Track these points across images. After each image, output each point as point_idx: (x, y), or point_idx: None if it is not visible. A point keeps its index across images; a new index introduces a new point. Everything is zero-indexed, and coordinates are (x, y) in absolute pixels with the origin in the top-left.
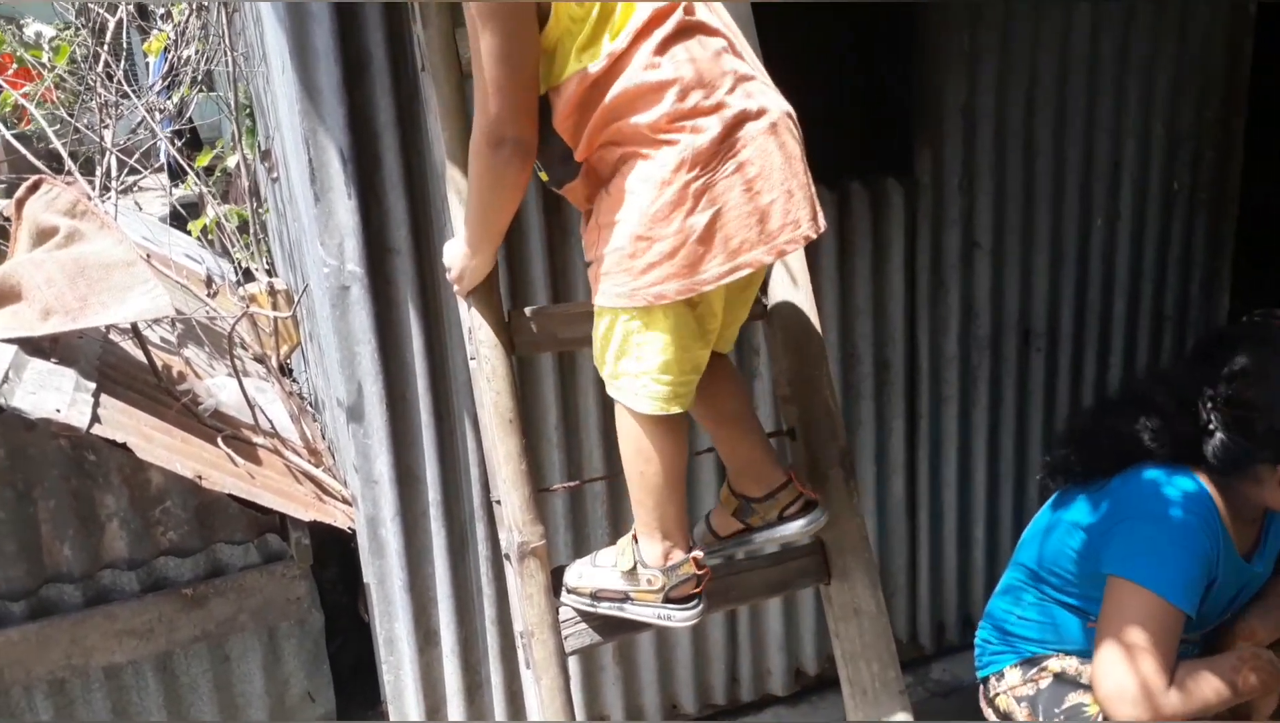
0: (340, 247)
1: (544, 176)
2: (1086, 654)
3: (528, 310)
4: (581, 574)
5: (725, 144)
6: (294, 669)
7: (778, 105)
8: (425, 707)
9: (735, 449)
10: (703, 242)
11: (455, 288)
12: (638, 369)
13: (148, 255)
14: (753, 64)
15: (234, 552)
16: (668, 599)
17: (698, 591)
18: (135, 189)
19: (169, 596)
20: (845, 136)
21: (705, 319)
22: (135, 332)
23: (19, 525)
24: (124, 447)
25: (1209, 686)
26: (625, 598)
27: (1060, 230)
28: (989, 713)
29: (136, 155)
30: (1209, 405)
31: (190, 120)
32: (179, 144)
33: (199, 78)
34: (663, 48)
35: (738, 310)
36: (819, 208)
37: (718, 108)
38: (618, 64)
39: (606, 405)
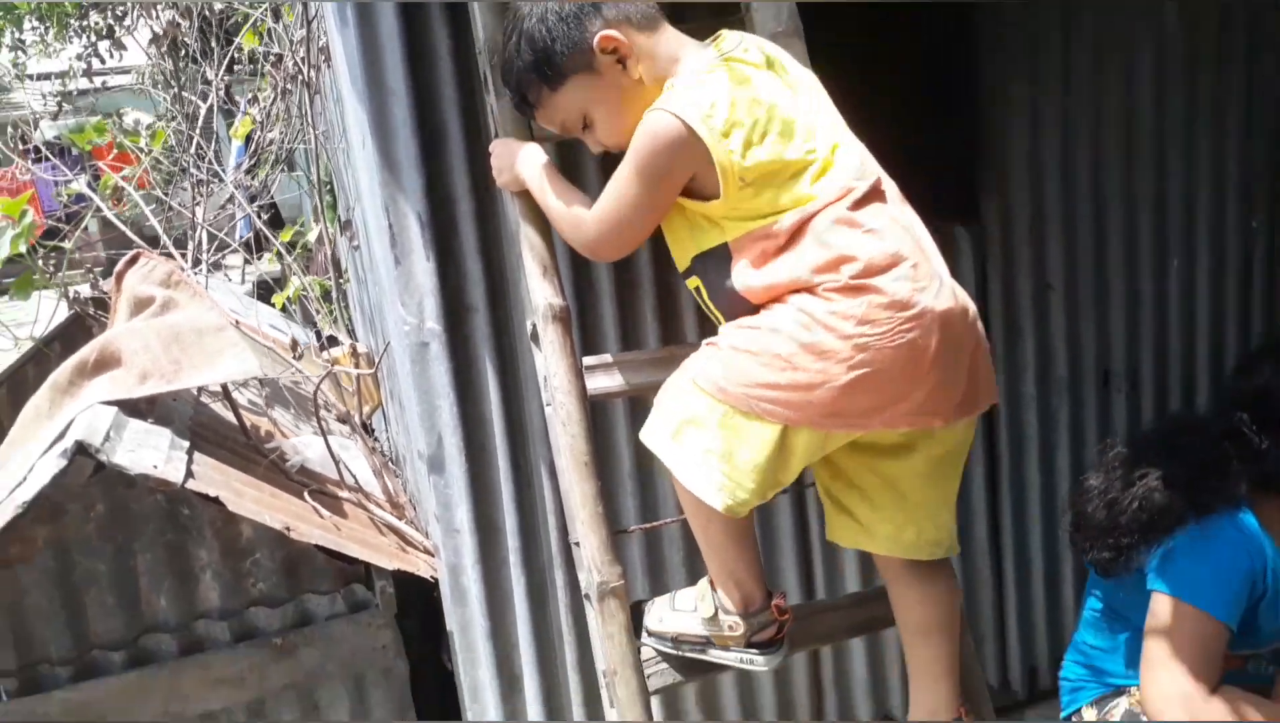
0: (420, 305)
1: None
2: None
3: (602, 357)
4: (662, 618)
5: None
6: (381, 717)
7: (961, 302)
8: None
9: (919, 675)
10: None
11: (496, 178)
12: (719, 450)
13: (236, 322)
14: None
15: (321, 602)
16: (749, 644)
17: (780, 635)
18: (223, 266)
19: (259, 645)
20: (912, 186)
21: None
22: (225, 393)
23: (118, 578)
24: (216, 501)
25: (1261, 711)
26: (708, 643)
27: (1135, 270)
28: None
29: (225, 230)
30: (1250, 428)
31: (272, 197)
32: (263, 218)
33: (281, 156)
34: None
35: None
36: (980, 396)
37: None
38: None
39: None
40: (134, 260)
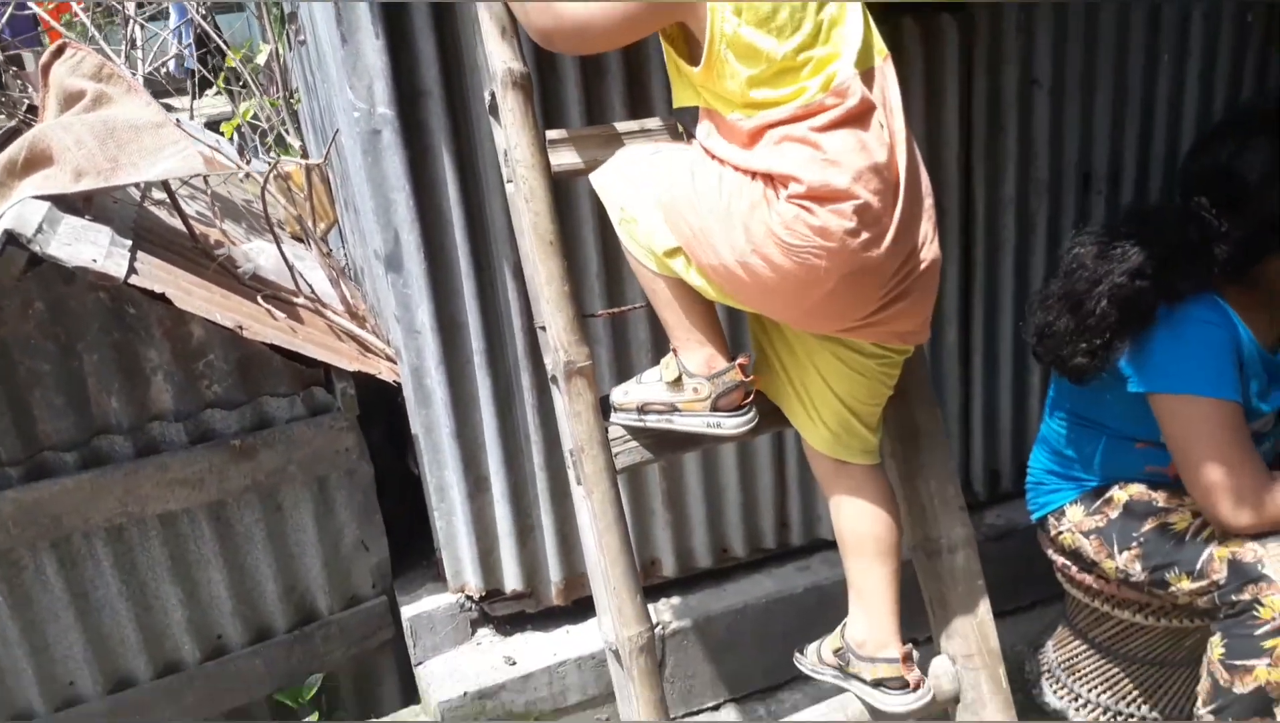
0: (370, 90)
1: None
2: (1147, 479)
3: (565, 131)
4: (627, 391)
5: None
6: (346, 520)
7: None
8: (478, 550)
9: (860, 583)
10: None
11: None
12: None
13: (176, 122)
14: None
15: (280, 405)
16: (715, 407)
17: (747, 400)
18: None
19: (218, 446)
20: None
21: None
22: (170, 197)
23: (64, 378)
24: (163, 299)
25: None
26: (672, 410)
27: (1125, 68)
28: (1051, 553)
29: (162, 60)
30: (1208, 211)
31: (217, 26)
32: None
33: None
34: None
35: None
36: (909, 333)
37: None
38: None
39: None
40: (60, 51)
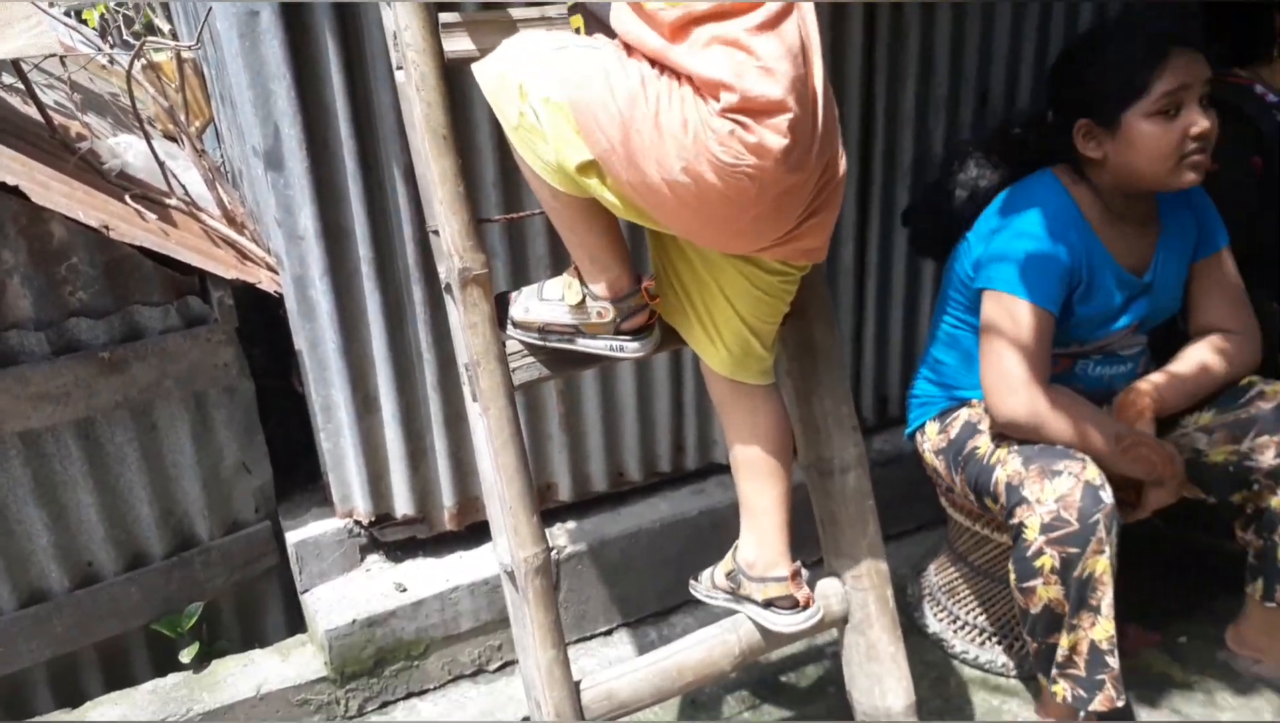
0: None
1: None
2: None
3: (458, 15)
4: (528, 309)
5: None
6: (226, 440)
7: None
8: (368, 473)
9: (752, 504)
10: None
11: None
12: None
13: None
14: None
15: (152, 314)
16: (619, 331)
17: (650, 321)
18: None
19: (84, 358)
20: None
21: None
22: (23, 79)
23: None
24: (17, 192)
25: (1071, 416)
26: (576, 332)
27: None
28: (930, 474)
29: None
30: (1052, 107)
31: None
32: None
33: None
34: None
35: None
36: (809, 250)
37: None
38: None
39: None
40: None
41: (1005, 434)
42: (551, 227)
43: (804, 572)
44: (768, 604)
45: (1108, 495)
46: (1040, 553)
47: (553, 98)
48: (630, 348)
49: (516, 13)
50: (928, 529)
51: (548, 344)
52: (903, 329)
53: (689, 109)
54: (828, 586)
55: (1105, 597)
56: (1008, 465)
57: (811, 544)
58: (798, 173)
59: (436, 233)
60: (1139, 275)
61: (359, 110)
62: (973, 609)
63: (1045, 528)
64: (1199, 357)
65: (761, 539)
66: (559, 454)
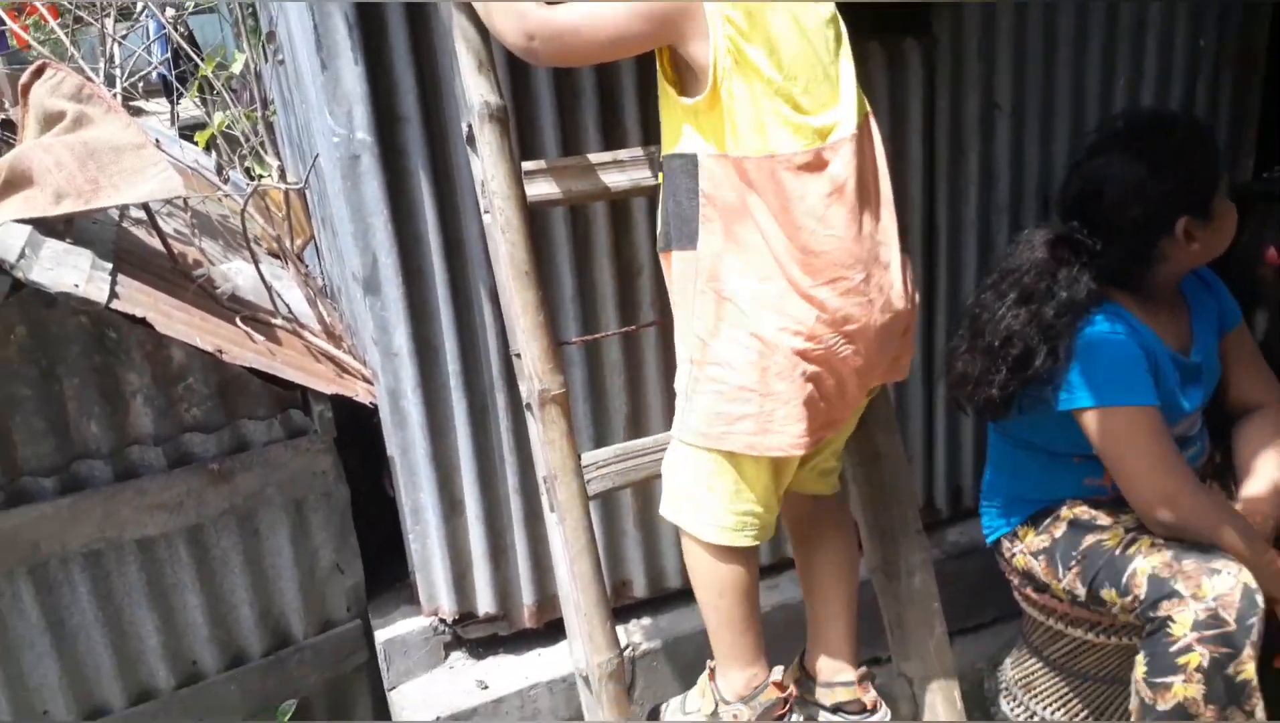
0: (349, 115)
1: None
2: (1088, 494)
3: (541, 163)
4: None
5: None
6: (322, 542)
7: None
8: (452, 572)
9: (818, 610)
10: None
11: None
12: (706, 494)
13: (156, 142)
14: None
15: (258, 427)
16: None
17: (784, 710)
18: (144, 113)
19: (196, 470)
20: None
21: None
22: (150, 217)
23: (45, 403)
24: (144, 322)
25: (1230, 517)
26: None
27: (1082, 91)
28: (1008, 573)
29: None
30: (1083, 234)
31: (190, 33)
32: (182, 54)
33: None
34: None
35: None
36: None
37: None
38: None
39: (622, 263)
40: (40, 71)
41: (1143, 528)
42: (625, 339)
43: (873, 675)
44: (836, 709)
45: (1262, 600)
46: (1188, 650)
47: (704, 460)
48: None
49: (592, 156)
50: (1004, 621)
51: None
52: (974, 422)
53: (773, 337)
54: (896, 687)
55: (1259, 706)
56: (1152, 557)
57: (881, 639)
58: (883, 320)
59: (519, 356)
60: (1187, 355)
61: (449, 239)
62: (1050, 704)
63: (1198, 625)
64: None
65: (829, 645)
66: (634, 551)
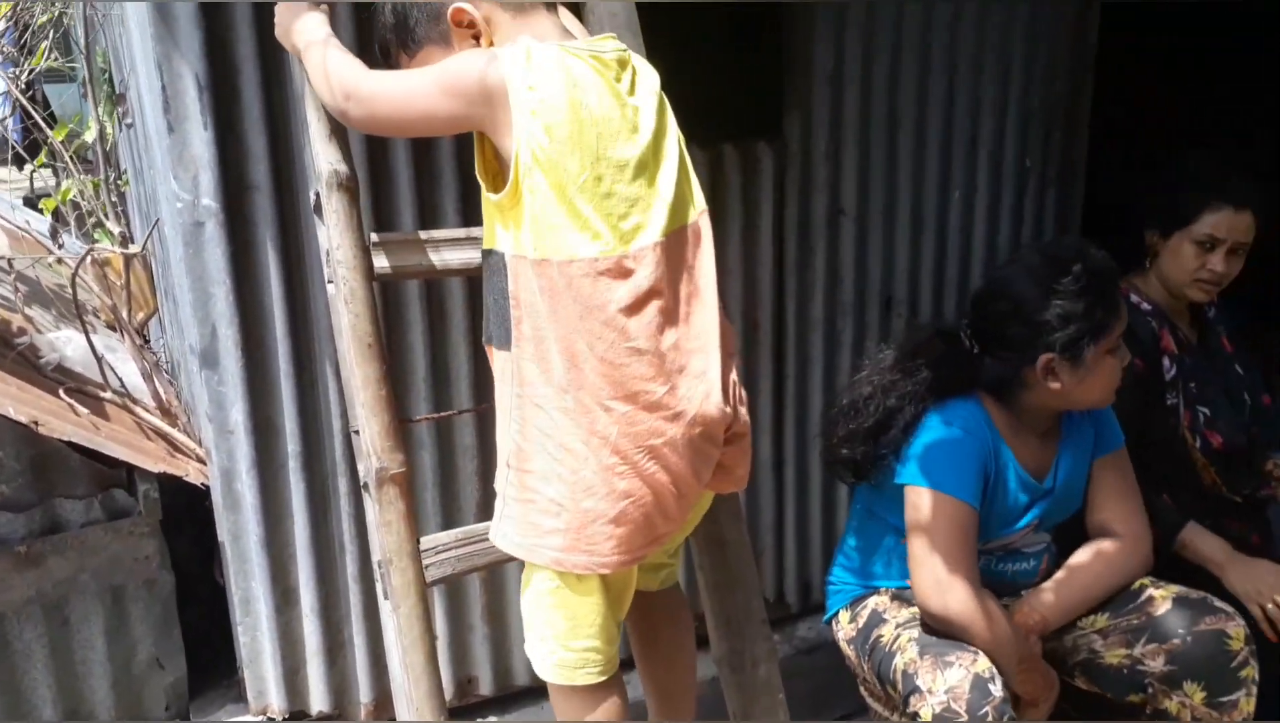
0: (195, 180)
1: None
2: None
3: (392, 235)
4: None
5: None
6: (141, 635)
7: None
8: (284, 669)
9: (658, 705)
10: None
11: (280, 39)
12: (544, 628)
13: None
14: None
15: (75, 507)
16: None
17: None
18: None
19: (0, 552)
20: (719, 100)
21: (624, 590)
22: None
23: None
24: None
25: (995, 622)
26: None
27: (921, 201)
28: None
29: None
30: (967, 333)
31: (45, 100)
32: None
33: (51, 47)
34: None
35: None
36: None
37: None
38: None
39: (477, 340)
40: None
41: (909, 623)
42: (479, 420)
43: None
44: None
45: (997, 688)
46: None
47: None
48: None
49: (439, 234)
50: (854, 718)
51: None
52: (822, 514)
53: (583, 442)
54: None
55: None
56: (905, 653)
57: None
58: (710, 412)
59: (358, 433)
60: (1039, 480)
61: (295, 313)
62: None
63: (938, 719)
64: (1092, 567)
65: None
66: (481, 646)
